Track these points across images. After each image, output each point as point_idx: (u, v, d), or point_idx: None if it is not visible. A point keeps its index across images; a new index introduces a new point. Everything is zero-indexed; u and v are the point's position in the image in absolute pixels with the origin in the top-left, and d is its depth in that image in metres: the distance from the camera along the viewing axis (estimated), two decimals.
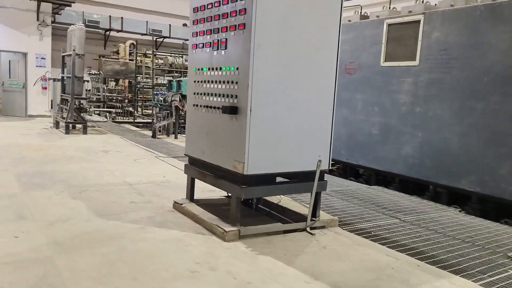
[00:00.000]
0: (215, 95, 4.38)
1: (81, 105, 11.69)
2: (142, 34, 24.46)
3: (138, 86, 16.23)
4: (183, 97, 11.90)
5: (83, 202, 5.01)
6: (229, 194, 5.06)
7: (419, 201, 6.25)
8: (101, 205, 4.96)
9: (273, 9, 3.95)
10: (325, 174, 4.59)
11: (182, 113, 12.51)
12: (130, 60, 21.50)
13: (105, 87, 17.08)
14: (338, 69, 4.43)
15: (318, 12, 4.21)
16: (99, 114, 16.40)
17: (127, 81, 21.92)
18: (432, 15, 6.28)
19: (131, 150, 9.45)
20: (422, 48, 6.40)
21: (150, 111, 17.89)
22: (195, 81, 4.80)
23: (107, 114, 16.22)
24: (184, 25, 26.78)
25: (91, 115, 12.56)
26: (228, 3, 4.18)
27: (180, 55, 15.61)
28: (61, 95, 12.32)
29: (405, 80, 6.70)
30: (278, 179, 4.33)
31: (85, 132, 11.39)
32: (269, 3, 3.90)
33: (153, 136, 11.84)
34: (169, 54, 15.23)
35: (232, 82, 4.13)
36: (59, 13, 18.56)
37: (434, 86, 6.28)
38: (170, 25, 24.92)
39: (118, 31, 23.77)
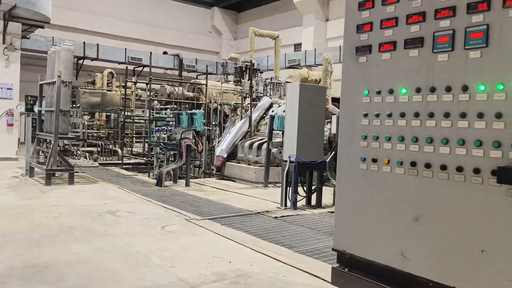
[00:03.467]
0: (450, 141, 2.16)
1: (66, 147, 9.07)
2: (120, 63, 22.04)
3: (128, 120, 13.66)
4: (197, 133, 9.57)
5: None
6: None
7: None
8: None
9: None
10: None
11: (197, 154, 10.16)
12: (108, 90, 18.95)
13: (85, 123, 14.39)
14: None
15: None
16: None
17: (104, 114, 19.30)
18: None
19: (145, 208, 6.92)
20: None
21: (141, 150, 15.33)
22: (366, 115, 2.56)
23: (87, 154, 13.48)
24: (165, 53, 24.58)
25: (79, 159, 9.94)
26: None
27: (178, 84, 13.29)
28: (38, 134, 9.64)
29: None
30: None
31: (71, 181, 8.72)
32: None
33: (159, 183, 9.32)
34: (167, 83, 12.88)
35: None
36: (27, 36, 15.90)
37: None
38: (151, 52, 22.63)
39: (93, 59, 21.28)
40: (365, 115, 2.55)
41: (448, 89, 2.16)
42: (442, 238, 2.17)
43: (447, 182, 2.15)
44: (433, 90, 2.23)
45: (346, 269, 2.67)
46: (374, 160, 2.49)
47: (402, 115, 2.35)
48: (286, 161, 7.35)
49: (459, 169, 2.09)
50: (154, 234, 5.36)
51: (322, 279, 3.98)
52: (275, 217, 6.62)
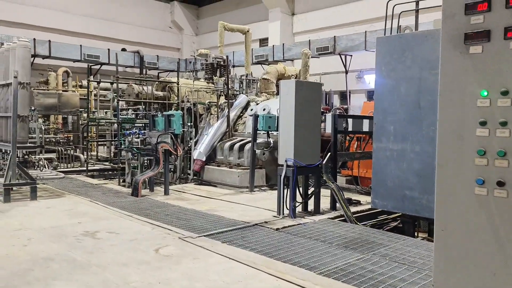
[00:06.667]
0: None
1: (26, 158, 7.96)
2: (75, 61, 20.55)
3: (93, 123, 12.51)
4: (175, 137, 8.72)
5: None
6: None
7: None
8: None
9: None
10: None
11: (173, 159, 9.32)
12: (64, 91, 17.58)
13: (42, 127, 13.07)
14: None
15: None
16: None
17: (60, 117, 17.90)
18: None
19: (127, 226, 6.05)
20: None
21: (105, 154, 14.19)
22: (484, 123, 1.94)
23: (46, 163, 12.16)
24: (124, 49, 23.23)
25: (41, 170, 8.80)
26: None
27: (144, 83, 12.29)
28: None
29: None
30: None
31: (34, 196, 7.64)
32: None
33: (135, 193, 8.41)
34: (134, 81, 11.85)
35: None
36: None
37: None
38: (109, 49, 21.25)
39: (45, 57, 19.66)
40: (483, 124, 1.94)
41: None
42: None
43: None
44: None
45: None
46: (501, 184, 1.88)
47: None
48: (282, 165, 6.71)
49: None
50: (148, 261, 4.55)
51: None
52: (277, 229, 5.97)
